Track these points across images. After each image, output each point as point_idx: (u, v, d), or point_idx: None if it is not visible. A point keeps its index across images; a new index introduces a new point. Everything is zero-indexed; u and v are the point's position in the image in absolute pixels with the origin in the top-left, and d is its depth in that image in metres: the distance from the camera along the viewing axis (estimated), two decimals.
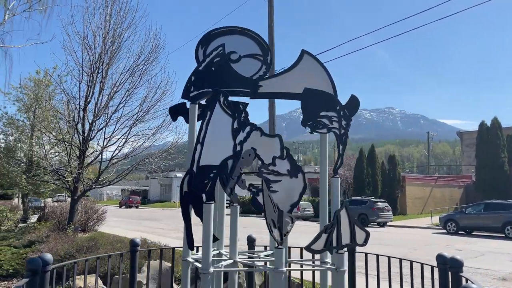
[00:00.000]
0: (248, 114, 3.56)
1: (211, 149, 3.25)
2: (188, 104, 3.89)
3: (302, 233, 10.16)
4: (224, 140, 3.31)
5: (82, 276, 7.06)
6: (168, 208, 54.33)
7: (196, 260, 3.63)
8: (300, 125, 3.92)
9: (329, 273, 3.64)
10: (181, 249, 3.79)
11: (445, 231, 24.60)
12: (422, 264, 4.30)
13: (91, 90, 14.52)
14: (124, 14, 14.56)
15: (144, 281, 5.84)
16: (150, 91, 14.49)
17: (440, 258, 4.02)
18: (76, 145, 14.83)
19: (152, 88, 14.48)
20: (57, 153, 18.90)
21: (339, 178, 3.66)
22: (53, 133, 16.18)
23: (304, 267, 4.30)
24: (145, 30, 16.82)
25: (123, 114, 14.70)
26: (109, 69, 14.68)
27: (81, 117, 14.50)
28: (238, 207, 4.04)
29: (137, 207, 58.63)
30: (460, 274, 3.77)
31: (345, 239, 3.38)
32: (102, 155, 15.32)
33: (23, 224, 20.06)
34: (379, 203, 29.86)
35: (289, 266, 4.31)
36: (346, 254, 3.49)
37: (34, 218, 21.66)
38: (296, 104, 4.11)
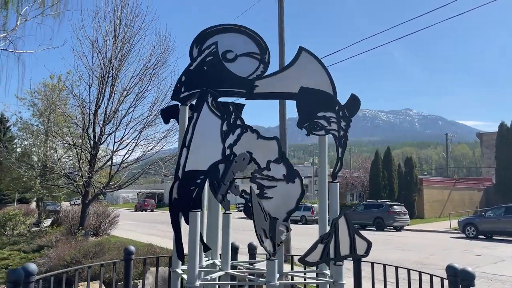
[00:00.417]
0: (239, 115, 3.33)
1: (198, 153, 3.03)
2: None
3: (315, 236, 9.87)
4: (212, 143, 3.09)
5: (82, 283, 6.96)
6: None
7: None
8: None
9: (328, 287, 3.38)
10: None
11: (464, 235, 23.90)
12: (431, 276, 4.00)
13: (102, 94, 14.54)
14: (133, 18, 14.55)
15: None
16: (160, 94, 14.43)
17: (450, 269, 3.72)
18: (87, 149, 14.86)
19: (161, 92, 14.42)
20: (70, 158, 19.05)
21: (338, 183, 3.40)
22: (66, 138, 16.28)
23: (301, 279, 4.05)
24: (154, 33, 16.85)
25: (133, 118, 14.69)
26: (119, 73, 14.70)
27: (92, 121, 14.53)
28: (231, 215, 3.81)
29: (152, 211, 58.95)
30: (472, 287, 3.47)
31: (344, 250, 3.13)
32: (112, 159, 15.31)
33: (36, 228, 20.22)
34: (395, 207, 29.23)
35: (286, 278, 4.06)
36: (344, 267, 3.22)
37: (47, 222, 21.83)
38: None
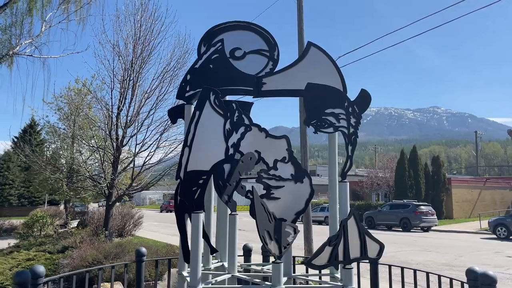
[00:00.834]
0: (244, 113, 3.23)
1: (200, 153, 2.95)
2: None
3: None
4: (214, 142, 3.00)
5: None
6: None
7: None
8: None
9: None
10: None
11: (494, 236, 23.05)
12: (451, 280, 3.79)
13: (123, 98, 14.73)
14: (153, 21, 14.68)
15: None
16: None
17: (470, 273, 3.50)
18: (110, 152, 15.08)
19: None
20: (96, 160, 19.42)
21: (348, 182, 3.25)
22: (91, 141, 16.59)
23: (308, 283, 3.90)
24: (174, 36, 16.96)
25: (154, 120, 14.81)
26: (140, 76, 14.85)
27: (114, 124, 14.73)
28: (237, 216, 3.71)
29: None
30: None
31: (354, 252, 2.98)
32: (134, 161, 15.48)
33: (63, 229, 20.70)
34: (422, 207, 28.46)
35: (294, 282, 3.93)
36: (354, 270, 3.07)
37: (74, 223, 22.32)
38: None
